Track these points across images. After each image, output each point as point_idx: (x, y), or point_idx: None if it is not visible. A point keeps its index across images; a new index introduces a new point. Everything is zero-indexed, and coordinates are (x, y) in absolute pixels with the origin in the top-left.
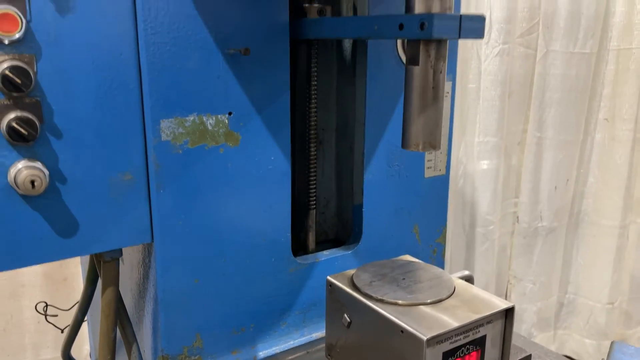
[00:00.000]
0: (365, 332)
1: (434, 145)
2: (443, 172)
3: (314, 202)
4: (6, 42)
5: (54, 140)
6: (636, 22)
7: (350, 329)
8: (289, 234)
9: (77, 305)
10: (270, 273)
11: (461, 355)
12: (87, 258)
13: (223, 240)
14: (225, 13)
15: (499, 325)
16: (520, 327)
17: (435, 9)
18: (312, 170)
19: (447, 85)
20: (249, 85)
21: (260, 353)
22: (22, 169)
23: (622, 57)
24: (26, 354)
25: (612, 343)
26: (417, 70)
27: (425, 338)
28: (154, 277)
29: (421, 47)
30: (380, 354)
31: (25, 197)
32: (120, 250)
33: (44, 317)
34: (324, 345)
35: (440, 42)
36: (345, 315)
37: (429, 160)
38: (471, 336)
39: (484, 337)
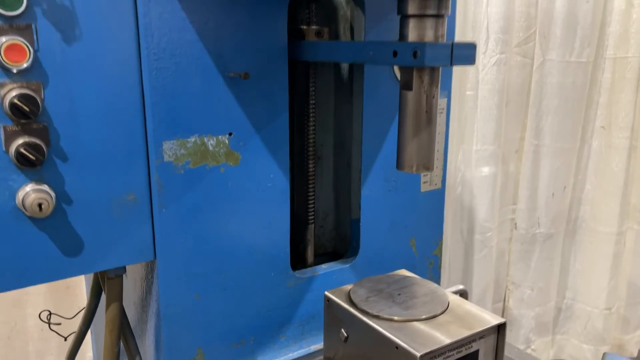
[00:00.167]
0: (362, 346)
1: (427, 167)
2: (439, 186)
3: (313, 216)
4: (14, 71)
5: (61, 163)
6: (632, 32)
7: (347, 343)
8: (288, 249)
9: (80, 315)
10: (269, 287)
11: None
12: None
13: (224, 256)
14: (226, 38)
15: (491, 340)
16: (519, 332)
17: (428, 37)
18: (311, 185)
19: (442, 102)
20: (249, 106)
21: None
22: (30, 192)
23: (618, 65)
24: None
25: (603, 355)
26: (410, 95)
27: (419, 354)
28: (156, 292)
29: (414, 73)
30: None
31: (32, 219)
32: (124, 267)
33: (47, 325)
34: (322, 357)
35: (433, 69)
36: (343, 330)
37: (425, 175)
38: (464, 351)
39: (476, 352)
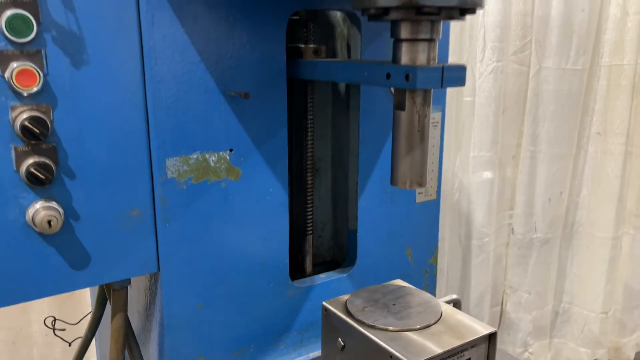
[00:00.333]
0: (358, 355)
1: (420, 183)
2: (434, 196)
3: (311, 227)
4: (25, 94)
5: (69, 181)
6: (627, 40)
7: (344, 352)
8: (287, 260)
9: (84, 321)
10: (269, 297)
11: None
12: None
13: (225, 267)
14: (226, 59)
15: (482, 348)
16: (517, 335)
17: (420, 60)
18: (309, 196)
19: (437, 116)
20: (249, 123)
21: None
22: (40, 210)
23: (613, 73)
24: None
25: None
26: (403, 115)
27: None
28: (160, 303)
29: (407, 94)
30: None
31: (42, 235)
32: (129, 279)
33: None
34: None
35: (425, 90)
36: (340, 339)
37: None
38: (457, 359)
39: None
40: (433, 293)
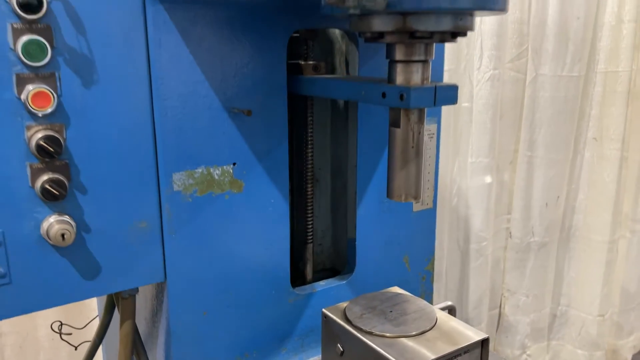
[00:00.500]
0: None
1: (415, 196)
2: (430, 205)
3: (311, 235)
4: (40, 115)
5: (80, 196)
6: (622, 47)
7: (343, 357)
8: (288, 269)
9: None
10: (271, 304)
11: None
12: None
13: (229, 276)
14: (229, 77)
15: (475, 354)
16: (515, 338)
17: (414, 81)
18: (309, 206)
19: (432, 127)
20: (251, 138)
21: None
22: (54, 224)
23: (609, 79)
24: None
25: None
26: (398, 132)
27: None
28: (166, 310)
29: (402, 113)
30: None
31: (55, 247)
32: (137, 288)
33: (58, 335)
34: None
35: (419, 109)
36: (339, 345)
37: None
38: None
39: None
40: (430, 299)
